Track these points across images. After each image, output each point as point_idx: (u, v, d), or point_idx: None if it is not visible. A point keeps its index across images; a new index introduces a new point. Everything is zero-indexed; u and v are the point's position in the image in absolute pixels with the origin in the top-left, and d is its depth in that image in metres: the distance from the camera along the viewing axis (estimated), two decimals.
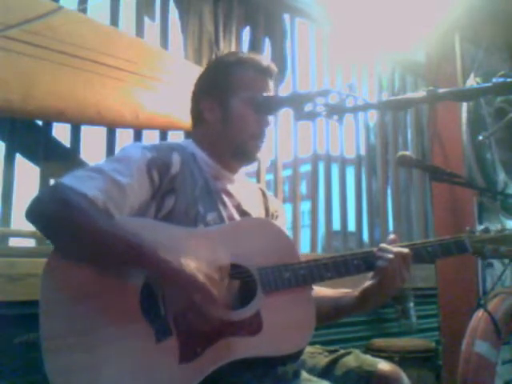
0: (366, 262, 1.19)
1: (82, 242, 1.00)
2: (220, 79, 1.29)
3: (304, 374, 1.11)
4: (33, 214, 1.03)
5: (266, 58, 1.33)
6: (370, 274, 1.21)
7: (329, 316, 1.28)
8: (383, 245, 1.20)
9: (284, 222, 1.43)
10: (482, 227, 1.28)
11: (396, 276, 1.16)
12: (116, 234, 1.00)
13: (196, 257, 1.01)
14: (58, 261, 1.02)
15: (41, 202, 1.04)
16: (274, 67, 1.32)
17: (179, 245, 1.03)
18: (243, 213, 1.28)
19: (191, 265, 0.98)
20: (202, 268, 1.00)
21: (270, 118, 1.30)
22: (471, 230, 1.28)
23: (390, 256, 1.16)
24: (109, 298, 1.01)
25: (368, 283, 1.21)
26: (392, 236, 1.24)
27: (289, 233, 1.28)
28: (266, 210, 1.40)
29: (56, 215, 1.00)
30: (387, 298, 1.22)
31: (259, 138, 1.28)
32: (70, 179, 1.05)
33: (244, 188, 1.36)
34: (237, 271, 1.10)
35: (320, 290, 1.29)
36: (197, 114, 1.33)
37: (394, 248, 1.18)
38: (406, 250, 1.18)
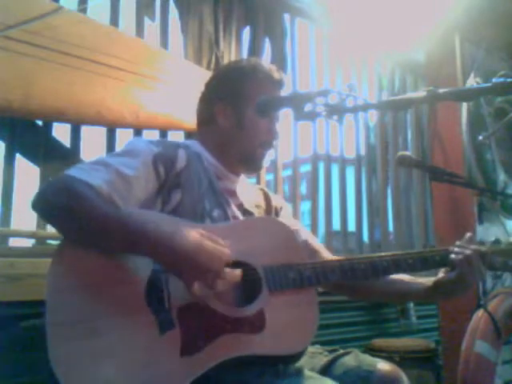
0: (372, 266, 1.20)
1: (88, 228, 1.01)
2: (235, 86, 1.31)
3: (306, 372, 1.11)
4: (39, 205, 1.04)
5: (276, 68, 1.37)
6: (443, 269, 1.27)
7: (392, 296, 1.42)
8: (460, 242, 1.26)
9: (290, 213, 1.48)
10: (492, 239, 1.30)
11: (475, 272, 1.20)
12: (120, 217, 1.00)
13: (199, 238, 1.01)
14: (66, 250, 1.03)
15: (46, 192, 1.04)
16: (284, 78, 1.36)
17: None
18: (246, 212, 1.30)
19: (196, 237, 0.99)
20: (205, 245, 1.00)
21: (280, 129, 1.34)
22: (479, 241, 1.30)
23: (468, 252, 1.21)
24: (115, 287, 1.01)
25: (443, 277, 1.24)
26: (469, 234, 1.29)
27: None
28: (269, 207, 1.41)
29: (62, 204, 1.01)
30: (458, 294, 1.25)
31: (267, 147, 1.32)
32: (75, 171, 1.06)
33: (246, 189, 1.38)
34: (242, 268, 1.10)
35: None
36: (208, 116, 1.34)
37: (471, 246, 1.23)
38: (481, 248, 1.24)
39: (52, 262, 1.01)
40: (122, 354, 0.97)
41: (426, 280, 1.28)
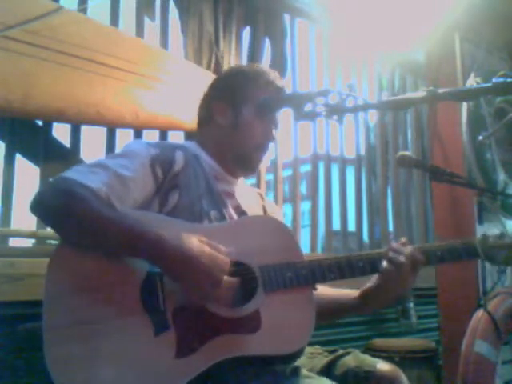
0: (371, 264, 1.19)
1: (87, 231, 1.01)
2: (237, 87, 1.32)
3: (304, 372, 1.11)
4: (37, 207, 1.04)
5: (280, 76, 1.37)
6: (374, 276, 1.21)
7: (327, 315, 1.29)
8: (395, 245, 1.19)
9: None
10: (497, 232, 1.27)
11: (401, 281, 1.16)
12: (120, 220, 1.01)
13: (199, 245, 1.01)
14: (64, 253, 1.03)
15: (45, 195, 1.05)
16: (285, 86, 1.36)
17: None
18: (242, 213, 1.30)
19: (195, 249, 0.99)
20: (206, 253, 1.00)
21: (276, 133, 1.34)
22: (484, 234, 1.26)
23: (402, 260, 1.15)
24: (111, 290, 1.02)
25: (370, 285, 1.21)
26: (403, 239, 1.22)
27: None
28: (264, 212, 1.42)
29: (60, 206, 1.01)
30: (389, 302, 1.22)
31: (263, 150, 1.32)
32: (73, 173, 1.06)
33: (243, 191, 1.38)
34: (239, 268, 1.10)
35: (321, 289, 1.29)
36: (206, 114, 1.35)
37: (407, 250, 1.17)
38: (420, 257, 1.18)
39: (49, 265, 1.01)
40: (117, 356, 0.97)
41: (352, 291, 1.26)
